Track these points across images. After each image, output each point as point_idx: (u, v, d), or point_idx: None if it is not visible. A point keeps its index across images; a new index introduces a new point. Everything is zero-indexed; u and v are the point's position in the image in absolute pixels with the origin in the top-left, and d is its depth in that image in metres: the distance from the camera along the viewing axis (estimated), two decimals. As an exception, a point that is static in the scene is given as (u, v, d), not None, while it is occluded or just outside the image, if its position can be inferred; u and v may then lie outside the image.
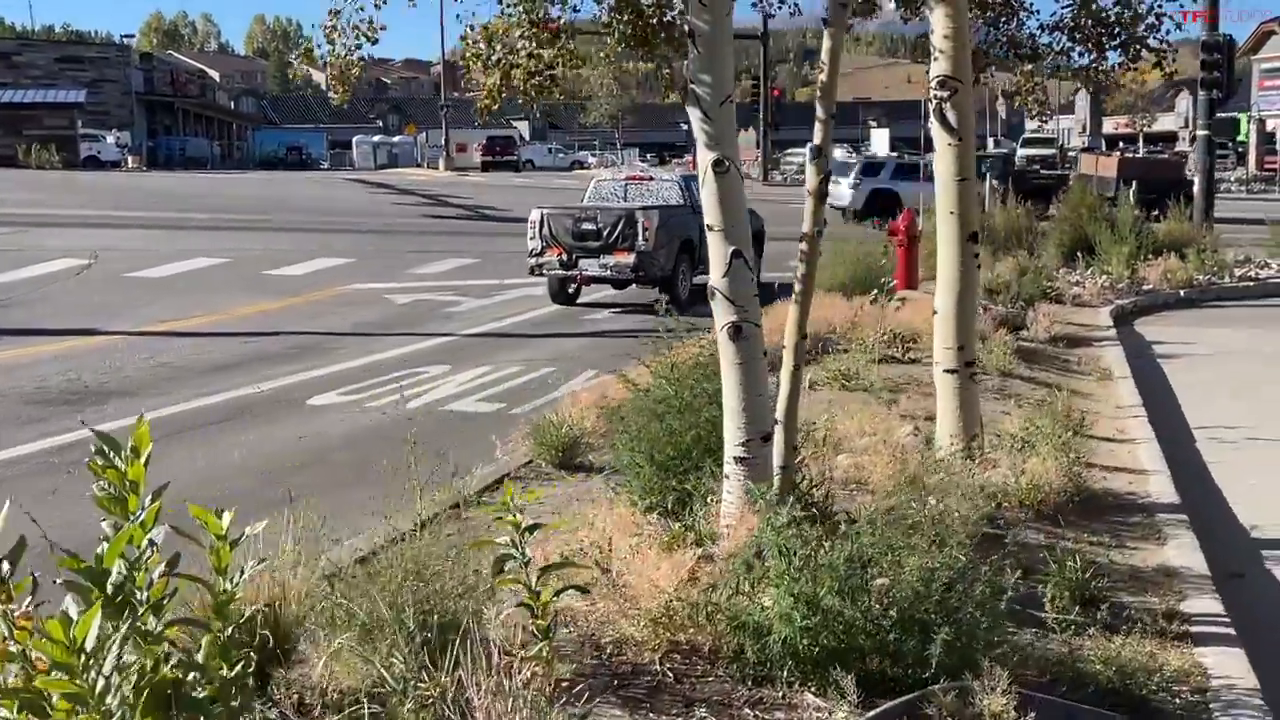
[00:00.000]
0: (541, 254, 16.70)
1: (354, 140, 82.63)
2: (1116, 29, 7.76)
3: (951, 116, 6.62)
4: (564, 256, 16.43)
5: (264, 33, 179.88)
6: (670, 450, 5.73)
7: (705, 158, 5.32)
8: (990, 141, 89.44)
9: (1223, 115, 55.50)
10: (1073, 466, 6.78)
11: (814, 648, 4.15)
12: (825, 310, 12.08)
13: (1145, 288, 17.57)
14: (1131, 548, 6.29)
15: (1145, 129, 60.89)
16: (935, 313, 6.89)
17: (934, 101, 6.52)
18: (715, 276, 5.32)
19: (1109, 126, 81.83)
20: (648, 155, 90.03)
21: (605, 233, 16.43)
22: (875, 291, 12.65)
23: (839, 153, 76.95)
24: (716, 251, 5.31)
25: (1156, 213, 21.34)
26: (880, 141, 58.40)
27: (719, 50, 5.26)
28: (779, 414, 5.39)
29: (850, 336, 11.08)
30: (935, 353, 6.99)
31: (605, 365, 11.06)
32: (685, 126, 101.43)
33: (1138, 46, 7.77)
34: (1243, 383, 12.03)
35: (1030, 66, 8.30)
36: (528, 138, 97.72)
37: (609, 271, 16.50)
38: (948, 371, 6.90)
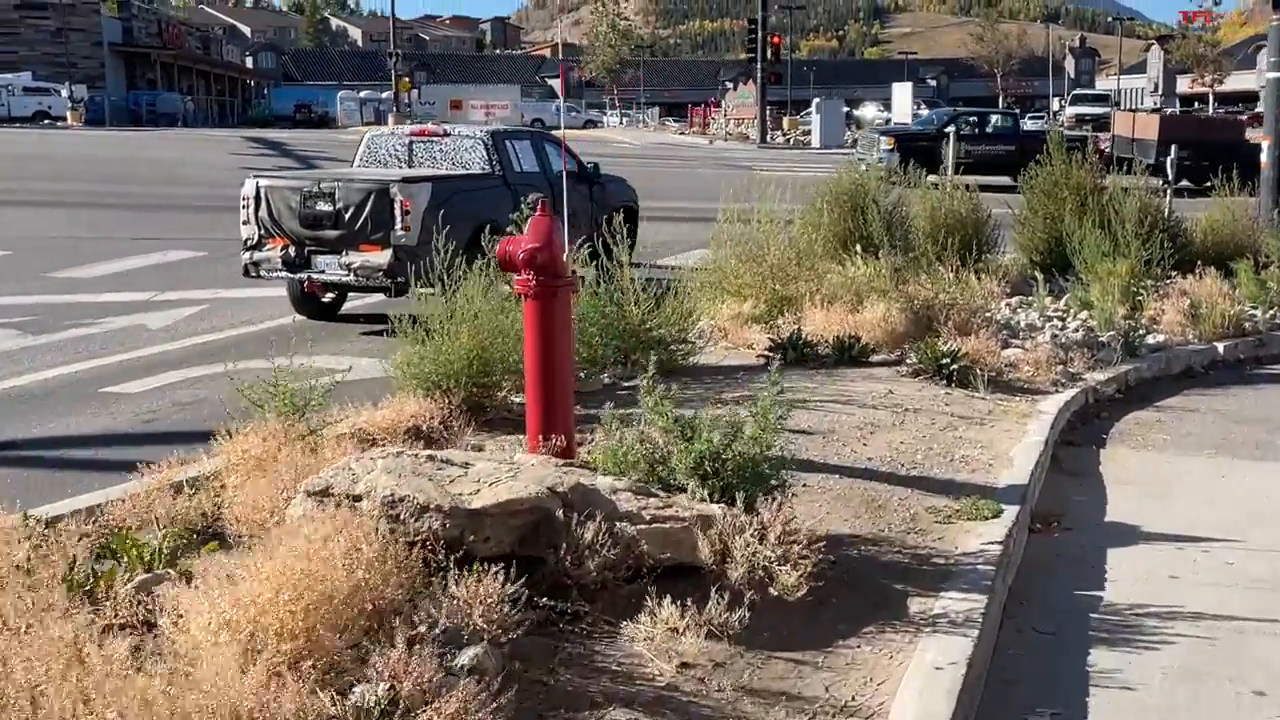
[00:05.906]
0: (259, 246, 10.64)
1: (339, 96, 76.46)
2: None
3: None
4: (289, 250, 10.40)
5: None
6: None
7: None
8: (1055, 101, 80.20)
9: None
10: None
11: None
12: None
13: (1153, 339, 9.65)
14: None
15: (1215, 86, 51.81)
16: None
17: None
18: None
19: (1183, 85, 72.24)
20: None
21: (348, 216, 10.07)
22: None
23: (871, 109, 68.85)
24: None
25: (1210, 185, 13.84)
26: (902, 97, 50.33)
27: None
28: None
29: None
30: None
31: None
32: (729, 84, 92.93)
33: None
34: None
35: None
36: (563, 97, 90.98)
37: (351, 275, 10.17)
38: None
